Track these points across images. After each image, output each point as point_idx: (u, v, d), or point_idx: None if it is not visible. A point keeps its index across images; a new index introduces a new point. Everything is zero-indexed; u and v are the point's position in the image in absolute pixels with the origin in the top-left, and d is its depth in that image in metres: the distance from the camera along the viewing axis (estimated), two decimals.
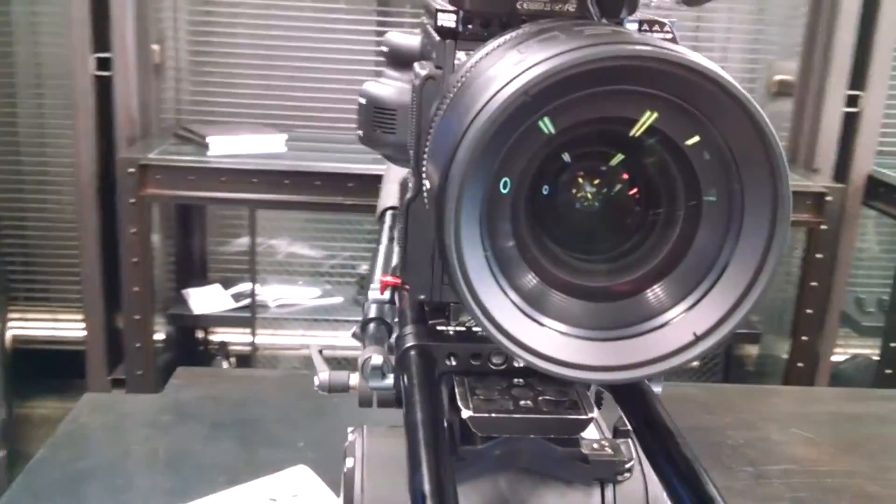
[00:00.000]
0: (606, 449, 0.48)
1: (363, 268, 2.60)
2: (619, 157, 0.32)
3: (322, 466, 0.82)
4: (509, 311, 0.30)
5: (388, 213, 0.77)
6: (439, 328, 0.50)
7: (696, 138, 0.30)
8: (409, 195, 0.48)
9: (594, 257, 0.32)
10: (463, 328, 0.50)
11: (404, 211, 0.48)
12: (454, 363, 0.48)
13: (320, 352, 0.60)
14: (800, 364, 2.33)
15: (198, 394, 0.96)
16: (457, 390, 0.47)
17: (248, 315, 2.37)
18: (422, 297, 0.49)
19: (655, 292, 0.32)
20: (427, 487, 0.35)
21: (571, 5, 0.43)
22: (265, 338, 2.50)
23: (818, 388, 2.28)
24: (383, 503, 0.48)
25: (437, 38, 0.47)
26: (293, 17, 2.52)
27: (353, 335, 0.65)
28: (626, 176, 0.32)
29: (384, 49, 0.62)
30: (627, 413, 0.45)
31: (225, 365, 2.53)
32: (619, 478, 0.48)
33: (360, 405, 0.55)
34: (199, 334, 2.65)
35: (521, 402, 0.46)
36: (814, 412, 1.05)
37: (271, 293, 2.51)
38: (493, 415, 0.45)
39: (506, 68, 0.30)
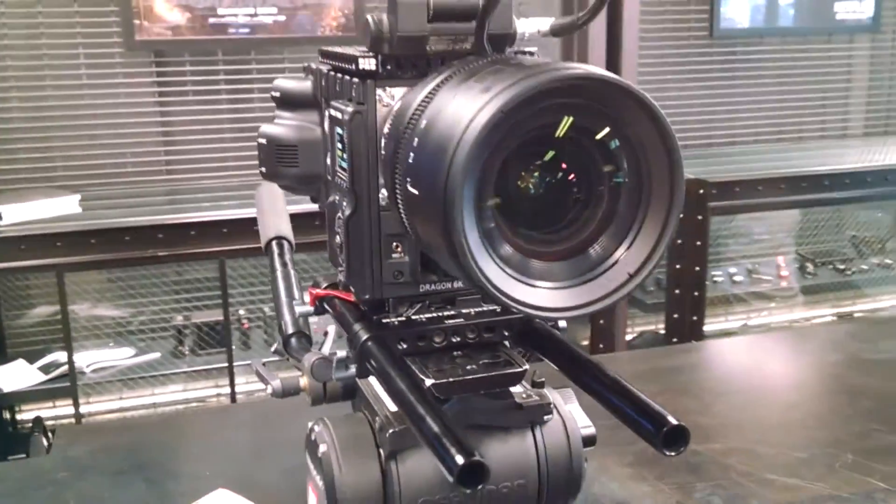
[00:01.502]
0: (533, 397, 0.59)
1: (178, 319, 2.58)
2: (551, 153, 0.43)
3: (237, 488, 0.87)
4: (503, 278, 0.40)
5: (274, 242, 0.84)
6: (384, 321, 0.59)
7: (607, 129, 0.42)
8: (347, 212, 0.56)
9: (552, 228, 0.43)
10: (403, 318, 0.59)
11: (345, 226, 0.56)
12: (405, 346, 0.57)
13: (263, 365, 0.67)
14: (600, 346, 2.58)
15: (87, 448, 0.97)
16: (412, 368, 0.56)
17: (61, 386, 2.28)
18: (367, 296, 0.58)
19: (596, 248, 0.43)
20: (438, 429, 0.44)
21: (468, 44, 0.54)
22: (83, 406, 2.42)
23: (632, 351, 2.53)
24: (360, 477, 0.56)
25: (356, 79, 0.56)
26: (67, 75, 2.48)
27: (275, 351, 0.72)
28: (564, 165, 0.43)
29: (275, 94, 0.70)
30: (552, 359, 0.56)
31: (44, 442, 2.41)
32: (546, 418, 0.59)
33: (313, 404, 0.63)
34: (6, 415, 2.51)
35: (468, 367, 0.57)
36: (639, 370, 1.22)
37: (83, 359, 2.43)
38: (451, 379, 0.55)
39: (475, 95, 0.40)
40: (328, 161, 0.67)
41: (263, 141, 0.70)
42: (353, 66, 0.56)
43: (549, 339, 0.58)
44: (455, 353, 0.59)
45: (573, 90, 0.40)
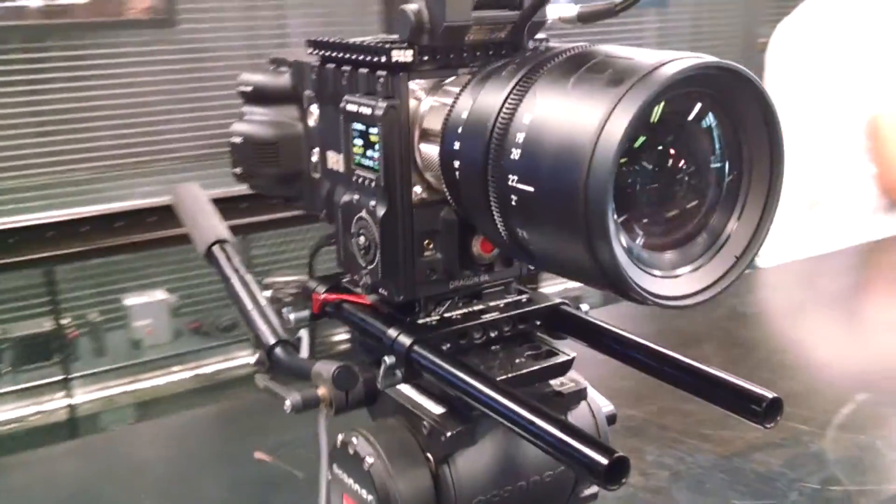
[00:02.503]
0: (568, 384, 0.59)
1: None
2: (642, 139, 0.43)
3: None
4: (633, 270, 0.40)
5: (216, 247, 0.78)
6: (421, 322, 0.57)
7: (697, 107, 0.43)
8: (380, 212, 0.53)
9: (660, 216, 0.43)
10: (438, 317, 0.57)
11: (380, 226, 0.54)
12: (448, 346, 0.56)
13: (271, 379, 0.62)
14: None
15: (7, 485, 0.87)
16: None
17: None
18: (400, 297, 0.55)
19: (704, 235, 0.44)
20: (561, 431, 0.43)
21: (504, 33, 0.53)
22: None
23: None
24: (413, 485, 0.54)
25: (382, 72, 0.53)
26: None
27: (258, 362, 0.68)
28: (672, 151, 0.43)
29: (245, 89, 0.65)
30: (585, 340, 0.57)
31: None
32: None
33: (337, 412, 0.59)
34: None
35: (517, 361, 0.56)
36: None
37: None
38: (511, 375, 0.54)
39: (600, 88, 0.39)
40: (313, 158, 0.63)
41: (238, 140, 0.65)
42: (379, 58, 0.53)
43: (583, 323, 0.58)
44: (493, 347, 0.58)
45: (690, 79, 0.40)
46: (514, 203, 0.43)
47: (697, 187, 0.44)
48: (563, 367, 0.57)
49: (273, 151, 0.64)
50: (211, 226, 0.80)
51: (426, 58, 0.52)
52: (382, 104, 0.52)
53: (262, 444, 0.97)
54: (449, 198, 0.51)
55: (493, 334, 0.58)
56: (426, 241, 0.55)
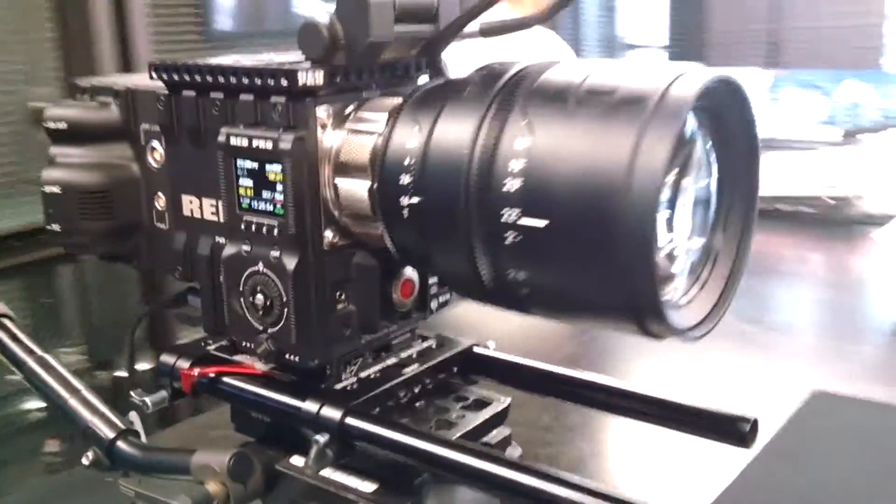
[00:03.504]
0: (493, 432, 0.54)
1: None
2: None
3: None
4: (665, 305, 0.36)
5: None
6: (339, 388, 0.48)
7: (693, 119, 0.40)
8: (291, 265, 0.45)
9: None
10: (355, 378, 0.49)
11: (292, 280, 0.45)
12: (377, 411, 0.48)
13: (137, 482, 0.50)
14: None
15: None
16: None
17: None
18: (315, 361, 0.47)
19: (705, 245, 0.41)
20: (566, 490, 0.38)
21: (415, 50, 0.47)
22: None
23: None
24: None
25: (279, 97, 0.44)
26: None
27: (94, 462, 0.55)
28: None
29: (58, 126, 0.53)
30: (505, 380, 0.53)
31: None
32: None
33: None
34: None
35: (454, 417, 0.50)
36: None
37: None
38: (458, 433, 0.48)
39: (623, 113, 0.34)
40: (158, 206, 0.53)
41: (55, 189, 0.52)
42: (277, 82, 0.44)
43: (500, 362, 0.54)
44: (417, 404, 0.51)
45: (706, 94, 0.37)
46: (510, 239, 0.37)
47: (697, 205, 0.41)
48: (503, 415, 0.52)
49: (104, 201, 0.52)
50: None
51: (336, 80, 0.44)
52: (288, 136, 0.44)
53: None
54: (389, 240, 0.44)
55: (416, 389, 0.51)
56: (338, 293, 0.47)
